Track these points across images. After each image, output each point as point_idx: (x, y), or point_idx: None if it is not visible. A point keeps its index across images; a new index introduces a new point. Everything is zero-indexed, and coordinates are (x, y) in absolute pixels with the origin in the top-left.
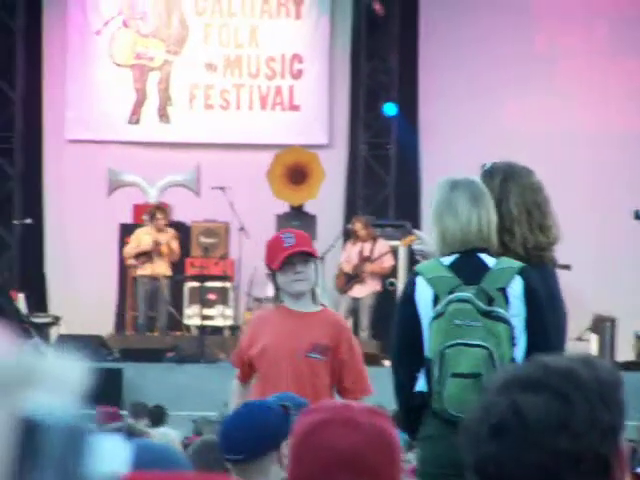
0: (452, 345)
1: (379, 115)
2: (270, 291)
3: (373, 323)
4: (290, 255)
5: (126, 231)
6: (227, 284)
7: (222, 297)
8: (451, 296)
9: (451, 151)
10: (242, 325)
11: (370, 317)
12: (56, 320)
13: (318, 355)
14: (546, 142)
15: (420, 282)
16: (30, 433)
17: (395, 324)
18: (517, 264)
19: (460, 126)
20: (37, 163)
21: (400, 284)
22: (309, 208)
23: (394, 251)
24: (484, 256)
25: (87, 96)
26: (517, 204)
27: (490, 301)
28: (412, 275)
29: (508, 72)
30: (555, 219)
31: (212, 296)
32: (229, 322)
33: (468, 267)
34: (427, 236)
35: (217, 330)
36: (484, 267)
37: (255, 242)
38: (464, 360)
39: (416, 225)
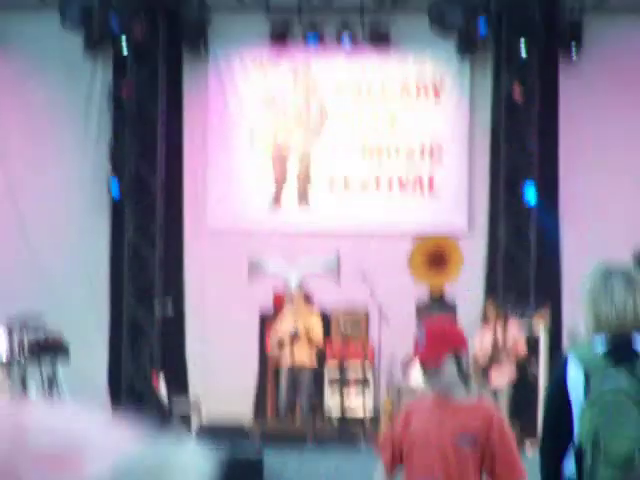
0: (606, 433)
1: (519, 201)
2: (411, 380)
3: (512, 412)
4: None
5: (267, 320)
6: (367, 373)
7: (362, 386)
8: (606, 387)
9: (593, 236)
10: (382, 414)
11: (510, 407)
12: (196, 409)
13: (466, 445)
14: None
15: (571, 363)
16: None
17: (544, 407)
18: None
19: (602, 210)
20: (178, 250)
21: (541, 370)
22: (449, 297)
23: (535, 338)
24: (636, 338)
25: (227, 183)
26: None
27: None
28: (564, 356)
29: None
30: None
31: (353, 386)
32: (369, 412)
33: (620, 348)
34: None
35: (357, 420)
36: (636, 350)
37: (395, 330)
38: (618, 448)
39: (558, 311)
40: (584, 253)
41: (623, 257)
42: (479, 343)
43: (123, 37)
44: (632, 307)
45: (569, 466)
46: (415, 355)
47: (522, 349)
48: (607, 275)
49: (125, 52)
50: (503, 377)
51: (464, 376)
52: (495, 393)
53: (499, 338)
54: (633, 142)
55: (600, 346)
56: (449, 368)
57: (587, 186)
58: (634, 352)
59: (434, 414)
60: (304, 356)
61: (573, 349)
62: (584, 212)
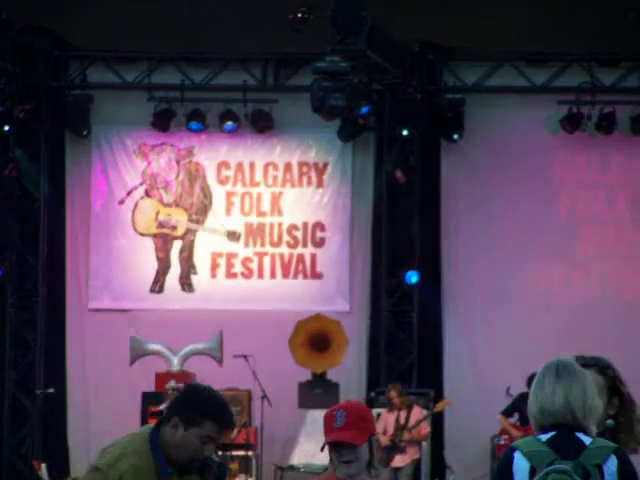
0: None
1: (401, 282)
2: (294, 459)
3: None
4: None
5: (149, 400)
6: (249, 453)
7: (245, 466)
8: (550, 467)
9: (474, 318)
10: None
11: None
12: None
13: None
14: (570, 311)
15: (517, 456)
16: None
17: None
18: (612, 444)
19: (483, 292)
20: (60, 332)
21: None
22: (331, 375)
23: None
24: (580, 434)
25: (110, 265)
26: None
27: (587, 476)
28: (509, 450)
29: (530, 239)
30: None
31: (235, 465)
32: None
33: (565, 444)
34: None
35: None
36: (581, 444)
37: (277, 410)
38: None
39: (439, 392)
40: (466, 334)
41: (507, 339)
42: (382, 426)
43: (4, 117)
44: (561, 399)
45: None
46: (328, 436)
47: (425, 431)
48: (543, 370)
49: (7, 132)
50: (406, 457)
51: (372, 459)
52: (396, 472)
53: (401, 420)
54: (512, 220)
55: (544, 441)
56: (364, 451)
57: (469, 269)
58: (578, 446)
59: None
60: None
61: (519, 443)
62: (466, 295)
